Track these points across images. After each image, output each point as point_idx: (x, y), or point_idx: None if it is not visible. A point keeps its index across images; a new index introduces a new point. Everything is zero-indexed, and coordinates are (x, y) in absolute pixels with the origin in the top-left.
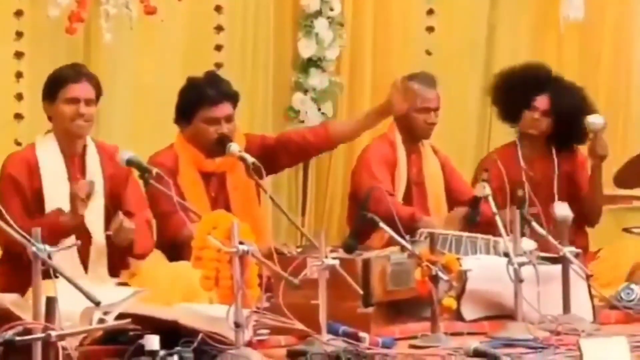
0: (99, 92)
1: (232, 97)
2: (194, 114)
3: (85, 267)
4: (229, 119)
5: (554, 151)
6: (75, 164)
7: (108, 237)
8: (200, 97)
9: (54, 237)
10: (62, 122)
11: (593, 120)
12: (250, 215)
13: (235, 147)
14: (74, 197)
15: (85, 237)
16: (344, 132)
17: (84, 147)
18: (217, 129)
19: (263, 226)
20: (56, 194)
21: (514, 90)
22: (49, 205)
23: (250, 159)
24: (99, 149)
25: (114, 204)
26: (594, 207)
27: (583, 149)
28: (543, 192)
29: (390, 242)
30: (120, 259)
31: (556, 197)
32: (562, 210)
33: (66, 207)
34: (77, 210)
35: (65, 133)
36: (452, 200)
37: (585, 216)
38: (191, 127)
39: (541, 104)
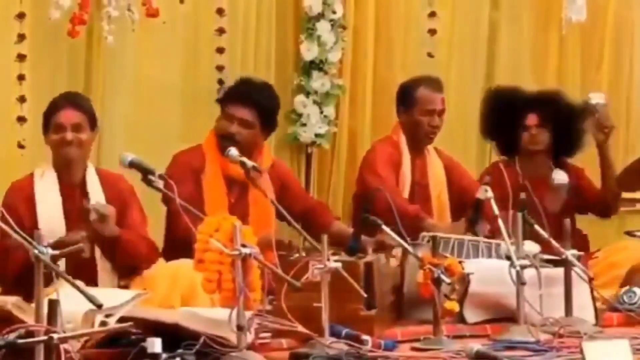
0: (91, 118)
1: (257, 105)
2: (222, 108)
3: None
4: (243, 123)
5: (552, 166)
6: (74, 193)
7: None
8: (229, 93)
9: None
10: (54, 151)
11: (594, 97)
12: (269, 226)
13: (234, 152)
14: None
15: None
16: (342, 237)
17: (84, 174)
18: (228, 127)
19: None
20: (50, 226)
21: (503, 121)
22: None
23: (250, 163)
24: (101, 175)
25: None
26: (612, 195)
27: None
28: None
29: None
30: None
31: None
32: (560, 176)
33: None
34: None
35: (58, 161)
36: (464, 199)
37: (605, 208)
38: (217, 121)
39: (532, 121)
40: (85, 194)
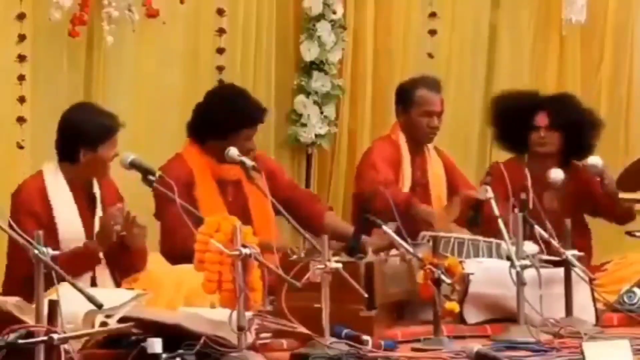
0: None
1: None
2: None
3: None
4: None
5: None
6: (83, 192)
7: (121, 241)
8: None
9: (86, 266)
10: (102, 165)
11: (592, 162)
12: (269, 222)
13: (234, 151)
14: (106, 226)
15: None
16: (336, 229)
17: None
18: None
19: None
20: (69, 227)
21: (512, 118)
22: (63, 238)
23: (250, 163)
24: None
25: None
26: (621, 212)
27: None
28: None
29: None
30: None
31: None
32: (554, 174)
33: (80, 238)
34: (108, 238)
35: (96, 174)
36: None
37: (617, 220)
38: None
39: (541, 121)
40: (92, 194)
